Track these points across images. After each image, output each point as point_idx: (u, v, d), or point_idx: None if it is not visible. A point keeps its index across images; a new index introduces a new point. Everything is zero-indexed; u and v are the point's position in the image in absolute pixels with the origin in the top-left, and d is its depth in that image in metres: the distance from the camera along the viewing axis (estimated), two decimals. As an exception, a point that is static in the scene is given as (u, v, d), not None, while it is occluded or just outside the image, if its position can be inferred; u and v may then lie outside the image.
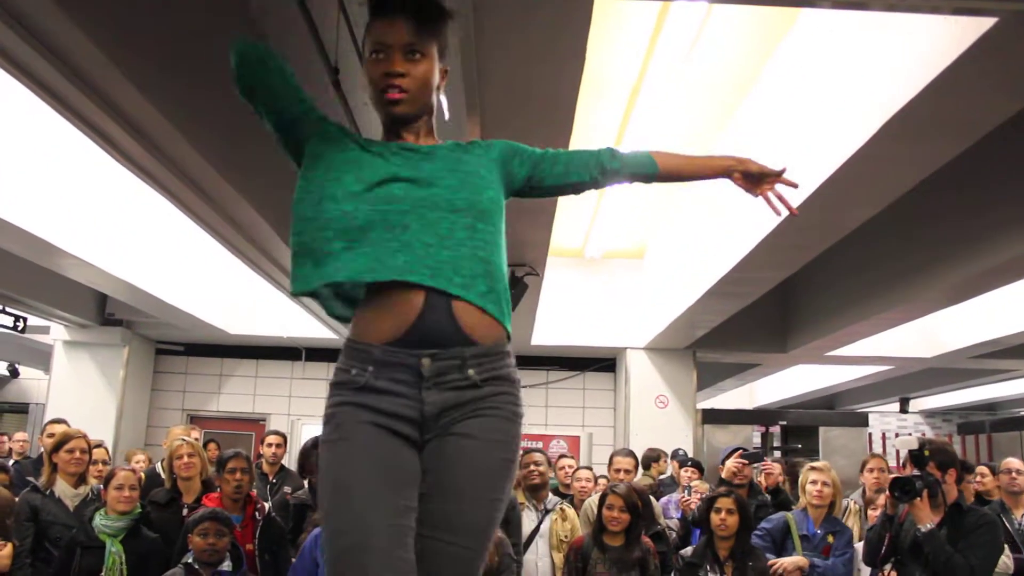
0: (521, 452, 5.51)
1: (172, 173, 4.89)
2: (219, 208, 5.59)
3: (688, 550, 4.54)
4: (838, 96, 4.55)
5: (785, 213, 2.05)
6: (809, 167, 4.87)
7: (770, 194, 2.04)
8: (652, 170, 1.99)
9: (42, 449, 5.49)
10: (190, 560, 3.87)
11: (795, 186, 2.06)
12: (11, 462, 6.81)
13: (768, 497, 5.30)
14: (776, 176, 2.03)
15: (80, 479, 4.49)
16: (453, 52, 3.60)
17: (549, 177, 1.96)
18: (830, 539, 4.48)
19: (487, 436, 1.72)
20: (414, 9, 1.80)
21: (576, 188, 2.00)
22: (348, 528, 1.61)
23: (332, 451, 1.70)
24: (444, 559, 1.67)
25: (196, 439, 5.30)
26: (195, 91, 4.56)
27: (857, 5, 3.86)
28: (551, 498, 5.03)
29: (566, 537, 4.74)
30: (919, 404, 16.00)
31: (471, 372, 1.72)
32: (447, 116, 4.18)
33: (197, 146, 4.66)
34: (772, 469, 5.50)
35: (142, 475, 5.00)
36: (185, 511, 4.46)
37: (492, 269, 1.76)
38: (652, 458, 7.41)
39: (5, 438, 8.43)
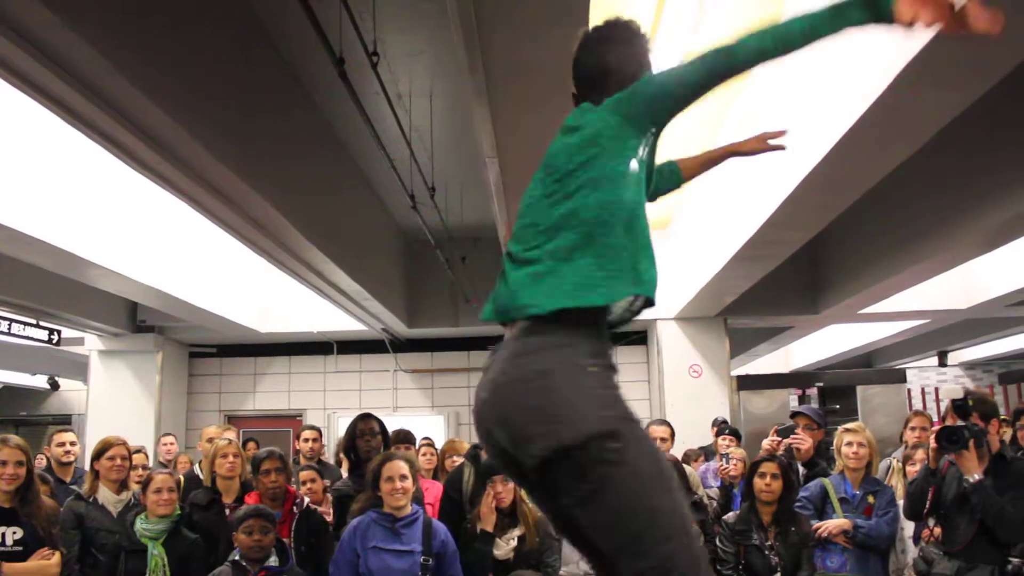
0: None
1: (187, 176, 4.92)
2: (237, 208, 5.61)
3: (731, 516, 4.51)
4: (854, 44, 4.44)
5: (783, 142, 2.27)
6: (828, 121, 4.78)
7: (768, 146, 2.29)
8: (679, 182, 2.32)
9: (46, 458, 5.56)
10: (237, 558, 3.90)
11: (782, 135, 2.28)
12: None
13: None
14: (764, 137, 2.29)
15: (122, 485, 4.53)
16: (451, 20, 3.56)
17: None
18: (871, 499, 4.41)
19: None
20: None
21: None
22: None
23: (643, 439, 1.80)
24: None
25: (233, 439, 5.33)
26: (203, 93, 4.57)
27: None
28: (589, 475, 4.99)
29: (606, 512, 4.72)
30: (958, 356, 15.77)
31: None
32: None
33: (210, 149, 4.67)
34: (802, 442, 4.92)
35: (180, 478, 5.04)
36: (227, 511, 4.49)
37: None
38: (692, 457, 7.18)
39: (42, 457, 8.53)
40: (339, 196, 7.44)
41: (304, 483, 4.95)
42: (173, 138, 4.47)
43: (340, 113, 6.28)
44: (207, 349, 11.80)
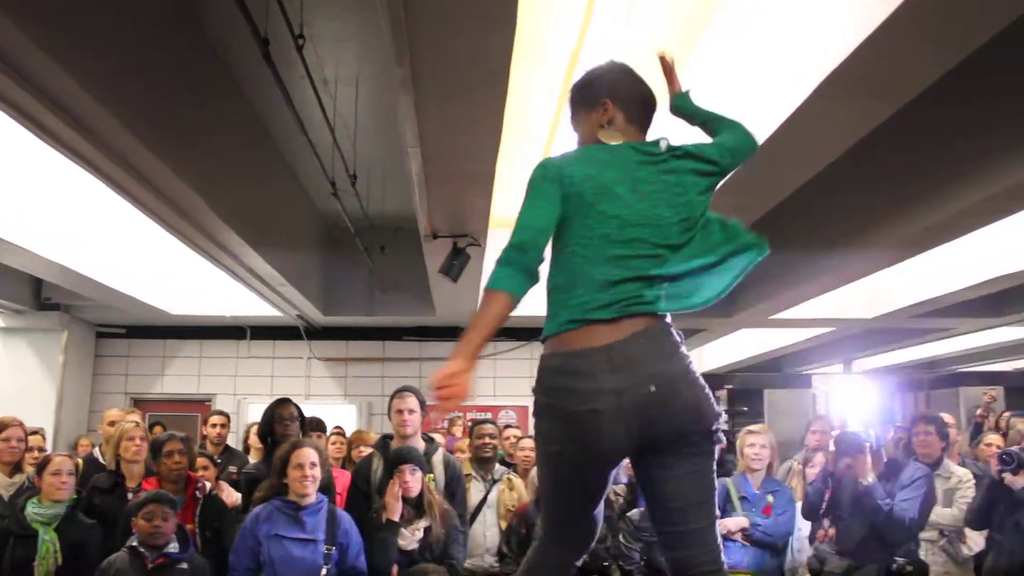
0: (471, 423, 5.51)
1: (103, 153, 4.77)
2: (152, 187, 5.46)
3: (635, 513, 4.59)
4: (776, 56, 4.55)
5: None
6: (750, 127, 4.87)
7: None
8: None
9: None
10: (135, 543, 3.81)
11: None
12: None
13: None
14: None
15: (15, 468, 4.38)
16: (379, 8, 3.54)
17: None
18: (770, 499, 4.54)
19: None
20: None
21: None
22: None
23: None
24: None
25: (140, 422, 5.19)
26: (122, 69, 4.44)
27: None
28: (498, 468, 5.03)
29: (513, 507, 4.76)
30: (862, 364, 16.33)
31: None
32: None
33: (129, 126, 4.54)
34: None
35: (79, 461, 4.89)
36: (130, 495, 4.38)
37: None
38: None
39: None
40: (259, 179, 7.30)
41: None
42: (88, 113, 4.32)
43: (264, 96, 6.16)
44: (115, 330, 11.47)
